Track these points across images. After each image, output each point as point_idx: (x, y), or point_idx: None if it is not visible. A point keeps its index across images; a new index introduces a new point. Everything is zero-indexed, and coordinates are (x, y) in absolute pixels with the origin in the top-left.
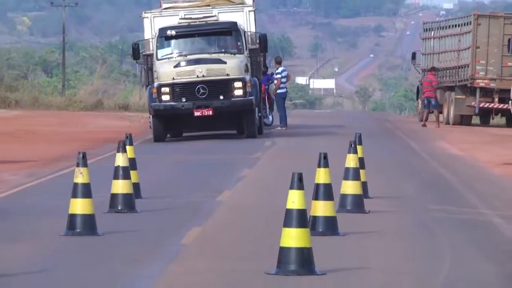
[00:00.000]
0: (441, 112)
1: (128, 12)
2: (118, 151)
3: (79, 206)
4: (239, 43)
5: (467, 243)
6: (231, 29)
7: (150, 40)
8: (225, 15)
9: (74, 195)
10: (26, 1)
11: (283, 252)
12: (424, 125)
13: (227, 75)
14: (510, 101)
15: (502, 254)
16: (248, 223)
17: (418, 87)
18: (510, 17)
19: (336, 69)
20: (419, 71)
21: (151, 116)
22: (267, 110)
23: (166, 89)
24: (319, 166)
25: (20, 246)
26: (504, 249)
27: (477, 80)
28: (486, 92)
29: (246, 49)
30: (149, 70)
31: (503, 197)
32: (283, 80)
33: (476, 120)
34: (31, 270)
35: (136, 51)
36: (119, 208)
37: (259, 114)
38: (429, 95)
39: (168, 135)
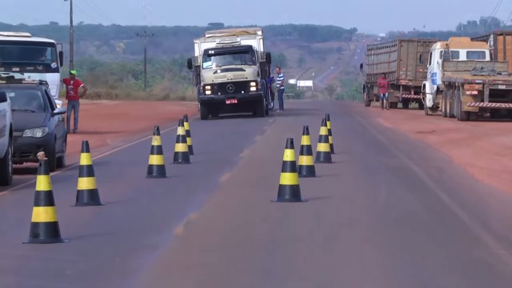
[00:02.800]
0: (377, 100)
1: (185, 39)
2: (179, 125)
3: (155, 160)
4: (253, 58)
5: (395, 180)
6: (248, 50)
7: (198, 56)
8: (244, 41)
9: (152, 153)
10: (122, 32)
11: (281, 187)
12: (384, 110)
13: (246, 78)
14: (421, 93)
15: (417, 187)
16: (259, 169)
17: (364, 85)
18: (420, 41)
19: (313, 74)
20: (365, 75)
21: (199, 104)
22: (270, 100)
23: (208, 87)
24: (303, 134)
25: (116, 185)
26: (418, 183)
27: (400, 80)
28: (406, 88)
29: (258, 62)
30: (198, 75)
31: (416, 151)
32: (280, 81)
33: (400, 105)
34: (122, 200)
35: (190, 63)
36: (179, 161)
37: (266, 102)
38: (383, 91)
39: (210, 116)
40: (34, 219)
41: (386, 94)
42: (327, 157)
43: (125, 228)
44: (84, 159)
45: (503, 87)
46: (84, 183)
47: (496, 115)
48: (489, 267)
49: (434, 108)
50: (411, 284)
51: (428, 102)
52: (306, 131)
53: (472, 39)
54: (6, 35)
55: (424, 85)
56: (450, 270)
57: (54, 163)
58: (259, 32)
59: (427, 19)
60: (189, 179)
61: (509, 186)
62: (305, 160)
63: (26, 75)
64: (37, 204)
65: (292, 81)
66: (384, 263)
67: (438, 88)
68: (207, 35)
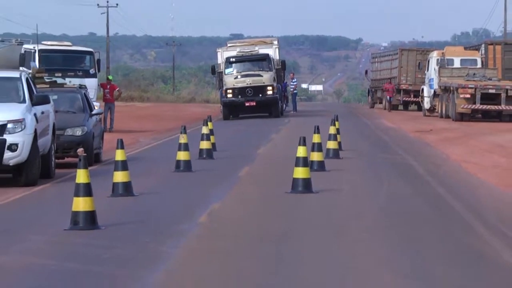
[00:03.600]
0: (380, 103)
1: (209, 48)
2: (203, 125)
3: (182, 156)
4: (270, 65)
5: (396, 174)
6: (265, 58)
7: (221, 63)
8: (262, 50)
9: (179, 149)
10: (153, 42)
11: (295, 181)
12: (389, 111)
13: (263, 83)
14: (420, 97)
15: (417, 181)
16: (275, 165)
17: (368, 89)
18: (419, 50)
19: (323, 79)
20: (369, 80)
21: (221, 106)
22: (285, 102)
23: (230, 91)
24: (314, 133)
25: (147, 178)
26: (417, 178)
27: (401, 85)
28: (406, 92)
29: (274, 68)
30: (220, 80)
31: (416, 149)
32: (293, 85)
33: (400, 107)
34: (153, 191)
35: (213, 70)
36: (204, 157)
37: (281, 104)
38: (389, 94)
39: (231, 116)
40: (74, 208)
41: (391, 98)
42: (335, 153)
43: (156, 217)
44: (119, 155)
45: (493, 91)
46: (119, 176)
47: (487, 116)
48: (481, 254)
49: (431, 110)
50: (411, 270)
51: (426, 104)
52: (317, 130)
53: (465, 48)
54: (50, 44)
55: (423, 89)
56: (446, 257)
57: (92, 159)
58: (275, 42)
59: (425, 30)
60: (213, 173)
61: (499, 180)
62: (316, 156)
63: (67, 80)
64: (77, 195)
65: (304, 86)
66: (387, 251)
67: (435, 92)
68: (228, 45)
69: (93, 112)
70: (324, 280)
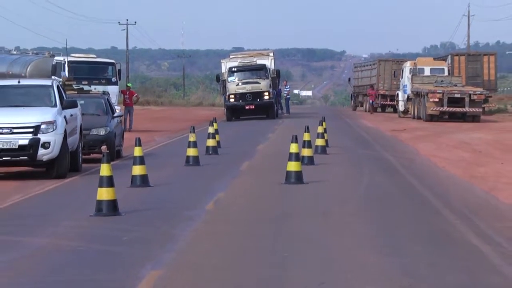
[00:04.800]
0: (361, 106)
1: (214, 59)
2: (209, 125)
3: (191, 152)
4: (266, 74)
5: (376, 167)
6: (262, 68)
7: (224, 72)
8: (260, 61)
9: (189, 146)
10: (166, 54)
11: (288, 173)
12: (371, 113)
13: (261, 89)
14: (395, 101)
15: (392, 173)
16: (271, 159)
17: (351, 94)
18: (394, 60)
19: (312, 86)
20: (352, 86)
21: (225, 109)
22: (279, 106)
23: (232, 96)
24: (304, 132)
25: (161, 171)
26: (393, 170)
27: (379, 90)
28: (384, 96)
29: (270, 76)
30: (224, 87)
31: (391, 145)
32: (286, 91)
33: (379, 110)
34: (166, 182)
35: (218, 78)
36: (210, 153)
37: (276, 108)
38: (372, 99)
39: (233, 118)
40: (99, 197)
41: (373, 101)
42: (323, 149)
43: (169, 204)
44: (137, 151)
45: (458, 95)
46: (137, 170)
47: (453, 117)
48: (447, 234)
49: (405, 112)
50: (389, 248)
51: (401, 107)
52: (307, 130)
53: (434, 59)
54: (78, 56)
55: (398, 94)
56: (418, 237)
57: (114, 155)
58: (271, 54)
59: (399, 43)
60: (218, 166)
61: (463, 172)
62: (306, 152)
63: (92, 87)
64: (101, 185)
65: (296, 91)
66: (367, 232)
67: (408, 96)
68: (231, 56)
69: (115, 115)
70: (313, 255)
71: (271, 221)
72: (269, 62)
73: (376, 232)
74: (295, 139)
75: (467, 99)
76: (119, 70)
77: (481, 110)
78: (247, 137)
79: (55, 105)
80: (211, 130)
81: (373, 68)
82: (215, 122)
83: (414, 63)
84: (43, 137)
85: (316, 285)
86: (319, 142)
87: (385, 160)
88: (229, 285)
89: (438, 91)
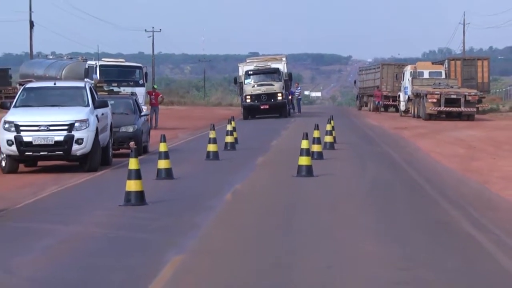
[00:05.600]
0: (366, 106)
1: (232, 63)
2: (228, 123)
3: (211, 147)
4: (279, 77)
5: (380, 162)
6: (276, 71)
7: (242, 75)
8: (274, 65)
9: (209, 142)
10: (188, 59)
11: (299, 167)
12: (379, 113)
13: (275, 90)
14: (397, 101)
15: (394, 167)
16: (284, 154)
17: (357, 95)
18: (396, 64)
19: (321, 88)
20: (357, 88)
21: (242, 108)
22: (291, 105)
23: (248, 97)
24: (314, 129)
25: (184, 165)
26: (395, 164)
27: (382, 92)
28: (386, 97)
29: (283, 79)
30: (241, 88)
31: (394, 142)
32: (298, 92)
33: (382, 109)
34: (189, 175)
35: (235, 80)
36: (228, 148)
37: (288, 107)
38: (378, 99)
39: (249, 117)
40: (127, 188)
41: (379, 102)
42: (331, 145)
43: (191, 195)
44: (162, 147)
45: (454, 96)
46: (162, 164)
47: (450, 116)
48: (444, 223)
49: (406, 111)
50: (391, 236)
51: (402, 107)
52: (316, 127)
53: (432, 63)
54: (108, 61)
55: (399, 95)
56: (418, 226)
57: (141, 150)
58: (284, 58)
59: (401, 49)
60: (235, 161)
61: (459, 166)
62: (316, 148)
63: (122, 88)
64: (129, 178)
65: (306, 93)
66: (371, 221)
67: (409, 97)
68: (247, 61)
69: (142, 114)
70: (322, 242)
71: (283, 211)
72: (282, 66)
73: (380, 221)
74: (306, 136)
75: (462, 100)
76: (146, 73)
77: (475, 110)
78: (262, 134)
79: (88, 105)
80: (229, 127)
81: (377, 72)
82: (233, 120)
83: (414, 67)
84: (76, 134)
85: (324, 268)
86: (328, 138)
87: (389, 155)
88: (245, 269)
89: (436, 92)
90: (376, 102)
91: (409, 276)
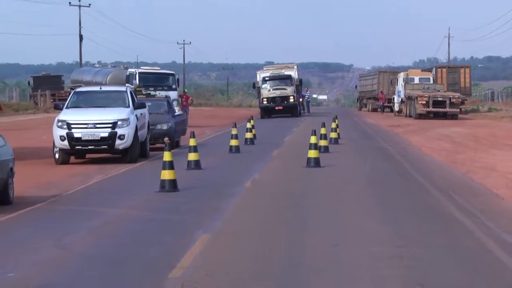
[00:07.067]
0: (366, 107)
1: (251, 71)
2: (247, 122)
3: (233, 142)
4: (292, 82)
5: (377, 154)
6: (289, 77)
7: (259, 81)
8: (287, 72)
9: (231, 138)
10: (213, 67)
11: (309, 159)
12: (382, 112)
13: (287, 94)
14: (392, 103)
15: (390, 159)
16: (295, 148)
17: (357, 98)
18: (391, 72)
19: (327, 91)
20: (358, 92)
21: (259, 109)
22: (302, 107)
23: (265, 99)
24: (321, 127)
25: (211, 157)
26: (390, 157)
27: (379, 95)
28: (380, 99)
29: (294, 84)
30: (259, 92)
31: (389, 137)
32: (307, 95)
33: (379, 110)
34: (214, 166)
35: (254, 85)
36: (248, 143)
37: (299, 108)
38: (382, 101)
39: (266, 116)
40: (162, 177)
41: (383, 103)
42: (336, 140)
43: (216, 183)
44: (192, 142)
45: (441, 99)
46: (192, 156)
47: (437, 116)
48: (433, 207)
49: (399, 111)
50: (387, 218)
51: (396, 108)
52: (323, 125)
53: (422, 70)
54: (146, 69)
55: (393, 98)
56: (409, 210)
57: (174, 145)
58: (295, 66)
59: (395, 58)
60: (254, 153)
61: (445, 158)
62: (323, 142)
63: (157, 92)
64: (164, 168)
65: (314, 96)
66: (370, 205)
67: (401, 99)
68: (264, 68)
69: (175, 114)
70: (328, 223)
71: (295, 196)
72: (293, 73)
73: (378, 205)
74: (314, 132)
75: (447, 102)
76: (178, 79)
77: (458, 110)
78: (277, 131)
79: (128, 106)
80: (249, 125)
81: (375, 78)
82: (252, 119)
83: (407, 73)
84: (119, 131)
85: (331, 246)
86: (333, 134)
87: (384, 149)
88: (262, 246)
89: (425, 95)
90: (381, 104)
91: (403, 251)
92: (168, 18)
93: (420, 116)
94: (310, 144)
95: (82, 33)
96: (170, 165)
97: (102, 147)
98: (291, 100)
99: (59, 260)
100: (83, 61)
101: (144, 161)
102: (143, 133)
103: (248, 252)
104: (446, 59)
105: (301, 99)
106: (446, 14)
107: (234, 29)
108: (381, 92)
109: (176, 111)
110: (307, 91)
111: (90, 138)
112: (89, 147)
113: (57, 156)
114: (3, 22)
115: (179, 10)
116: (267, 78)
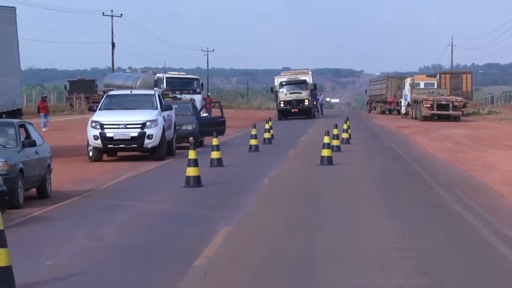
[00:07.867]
0: (375, 110)
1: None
2: (266, 123)
3: (253, 142)
4: (307, 86)
5: (385, 154)
6: (304, 82)
7: (277, 85)
8: (302, 77)
9: (251, 138)
10: (234, 72)
11: (322, 157)
12: (390, 114)
13: (303, 97)
14: (399, 106)
15: (397, 158)
16: (310, 147)
17: (367, 101)
18: (398, 77)
19: (339, 95)
20: (368, 96)
21: (277, 111)
22: (316, 109)
23: (282, 102)
24: (334, 128)
25: (232, 155)
26: (397, 156)
27: (388, 98)
28: (391, 102)
29: (309, 88)
30: (276, 96)
31: (396, 138)
32: (321, 99)
33: (387, 112)
34: (235, 164)
35: (272, 89)
36: (266, 142)
37: (313, 111)
38: (393, 105)
39: (282, 118)
40: (187, 174)
41: (394, 107)
42: (347, 140)
43: (237, 179)
44: (215, 141)
45: (444, 102)
46: (215, 154)
47: (440, 118)
48: (437, 203)
49: (406, 114)
50: (395, 213)
51: (403, 110)
52: (335, 126)
53: (427, 76)
54: (172, 74)
55: (401, 101)
56: (415, 205)
57: (198, 144)
58: (310, 72)
59: (402, 64)
60: (272, 152)
61: (448, 157)
62: (335, 142)
63: (183, 95)
64: (189, 165)
65: (327, 99)
66: (379, 201)
67: (408, 103)
68: (281, 74)
69: (199, 116)
70: (341, 218)
71: (310, 192)
72: (308, 78)
73: (386, 201)
74: (327, 133)
75: (451, 105)
76: (202, 84)
77: (460, 113)
78: (293, 132)
79: (156, 108)
80: (267, 126)
81: (383, 83)
82: (270, 120)
83: (413, 79)
84: (148, 131)
85: (344, 238)
86: (344, 135)
87: (392, 148)
88: (280, 237)
89: (430, 99)
90: (392, 107)
91: (409, 243)
92: (193, 27)
93: (425, 118)
94: (324, 143)
95: (114, 40)
96: (195, 163)
97: (132, 145)
98: (306, 103)
99: (91, 250)
100: (115, 67)
101: (170, 159)
102: (170, 133)
103: (267, 243)
104: (449, 66)
105: (315, 102)
106: (449, 24)
107: (253, 37)
108: (393, 96)
109: (202, 113)
110: (320, 94)
111: (121, 137)
112: (120, 145)
113: (91, 154)
114: (42, 31)
115: (204, 19)
116: (284, 83)
